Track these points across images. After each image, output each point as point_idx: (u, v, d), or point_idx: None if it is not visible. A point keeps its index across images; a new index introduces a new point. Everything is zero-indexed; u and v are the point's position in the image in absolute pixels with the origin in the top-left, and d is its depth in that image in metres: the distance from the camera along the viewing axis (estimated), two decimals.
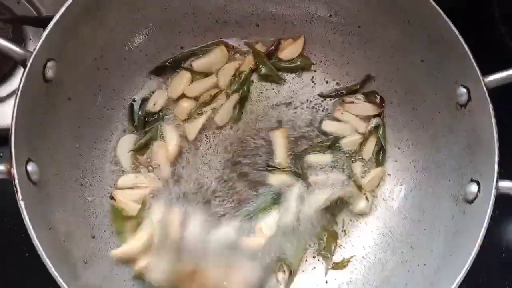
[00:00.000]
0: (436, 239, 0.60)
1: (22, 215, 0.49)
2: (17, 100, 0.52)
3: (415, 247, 0.63)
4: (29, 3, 0.80)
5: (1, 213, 0.70)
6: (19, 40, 0.77)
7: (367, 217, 0.68)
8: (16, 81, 0.74)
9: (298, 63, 0.72)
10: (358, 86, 0.72)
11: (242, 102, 0.71)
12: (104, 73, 0.65)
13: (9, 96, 0.75)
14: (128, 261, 0.62)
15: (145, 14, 0.66)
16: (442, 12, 0.59)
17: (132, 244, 0.62)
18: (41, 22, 0.76)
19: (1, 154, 0.74)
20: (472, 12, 0.79)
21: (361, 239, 0.68)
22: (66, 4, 0.55)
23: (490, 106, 0.55)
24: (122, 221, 0.64)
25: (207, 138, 0.70)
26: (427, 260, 0.59)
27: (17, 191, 0.49)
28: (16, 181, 0.50)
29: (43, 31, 0.77)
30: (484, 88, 0.55)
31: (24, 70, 0.53)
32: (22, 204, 0.49)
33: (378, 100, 0.71)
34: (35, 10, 0.79)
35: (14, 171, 0.50)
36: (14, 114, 0.51)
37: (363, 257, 0.66)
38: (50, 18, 0.74)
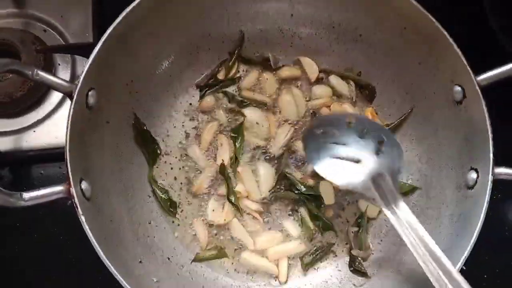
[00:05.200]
0: (443, 222, 0.67)
1: (84, 228, 0.56)
2: (68, 127, 0.58)
3: None
4: (54, 30, 0.87)
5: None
6: (50, 66, 0.84)
7: (379, 208, 0.74)
8: (52, 101, 0.82)
9: None
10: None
11: None
12: (135, 96, 0.72)
13: (47, 116, 0.82)
14: None
15: (167, 40, 0.73)
16: (433, 19, 0.65)
17: None
18: (71, 49, 0.83)
19: (42, 172, 0.81)
20: (465, 10, 0.85)
21: (376, 226, 0.75)
22: (103, 39, 0.62)
23: (483, 102, 0.61)
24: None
25: None
26: (436, 241, 0.65)
27: (77, 207, 0.56)
28: (76, 199, 0.56)
29: (70, 55, 0.85)
30: (477, 86, 0.62)
31: (72, 101, 0.59)
32: (82, 218, 0.56)
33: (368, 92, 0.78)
34: (60, 36, 0.86)
35: (73, 190, 0.57)
36: (67, 139, 0.58)
37: (378, 243, 0.73)
38: (79, 46, 0.82)
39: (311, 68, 0.79)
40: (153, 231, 0.70)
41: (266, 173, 0.75)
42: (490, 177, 0.60)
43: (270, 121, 0.78)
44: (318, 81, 0.79)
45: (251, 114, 0.77)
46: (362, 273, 0.71)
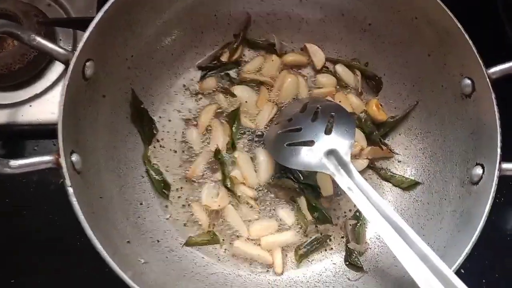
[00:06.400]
0: (445, 218, 0.65)
1: (70, 200, 0.53)
2: (62, 97, 0.56)
3: (425, 227, 0.67)
4: (59, 5, 0.85)
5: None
6: (51, 40, 0.82)
7: None
8: (51, 77, 0.80)
9: None
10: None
11: None
12: (134, 72, 0.70)
13: (44, 91, 0.80)
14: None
15: (171, 17, 0.71)
16: (447, 9, 0.63)
17: None
18: (74, 23, 0.82)
19: (36, 148, 0.79)
20: (475, 5, 0.83)
21: None
22: (104, 9, 0.60)
23: (493, 96, 0.59)
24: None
25: None
26: (436, 237, 0.64)
27: (65, 178, 0.54)
28: (64, 169, 0.54)
29: (73, 31, 0.84)
30: (487, 79, 0.60)
31: (68, 69, 0.57)
32: (70, 190, 0.54)
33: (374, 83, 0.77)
34: (64, 12, 0.85)
35: (62, 160, 0.55)
36: (61, 110, 0.56)
37: (377, 238, 0.71)
38: (82, 20, 0.81)
39: (318, 55, 0.77)
40: (144, 212, 0.68)
41: (265, 160, 0.72)
42: (497, 173, 0.58)
43: (260, 97, 0.75)
44: (324, 69, 0.77)
45: (241, 93, 0.75)
46: (358, 268, 0.69)
